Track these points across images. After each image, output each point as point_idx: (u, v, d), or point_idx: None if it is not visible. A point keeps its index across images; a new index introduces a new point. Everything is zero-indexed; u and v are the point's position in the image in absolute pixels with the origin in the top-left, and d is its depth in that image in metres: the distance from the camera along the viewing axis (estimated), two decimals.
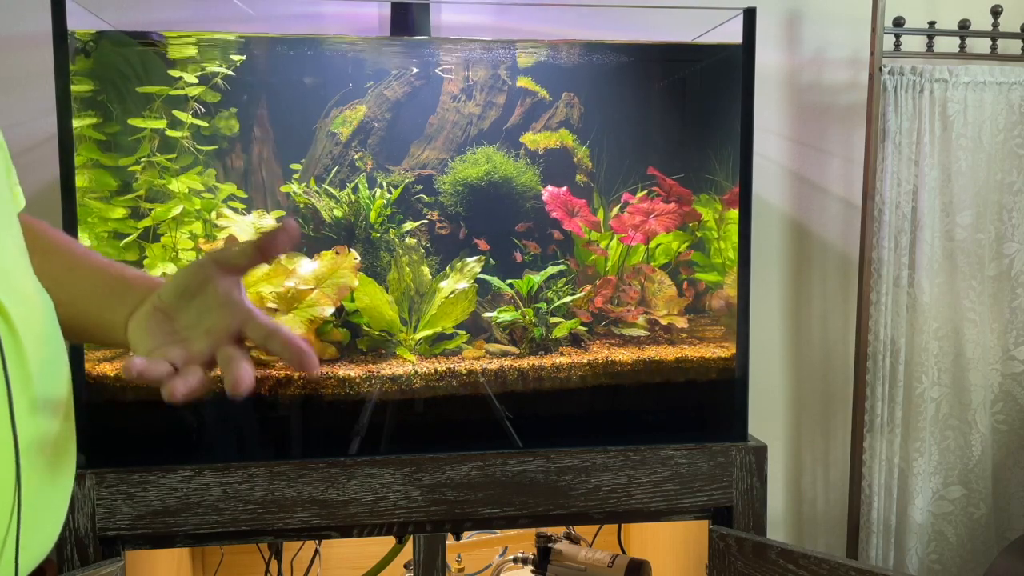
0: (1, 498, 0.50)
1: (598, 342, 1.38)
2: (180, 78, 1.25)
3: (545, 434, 1.32)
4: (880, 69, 1.59)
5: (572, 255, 1.38)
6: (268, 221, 1.29)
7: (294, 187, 1.31)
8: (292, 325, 1.24)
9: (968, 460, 1.70)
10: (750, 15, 1.29)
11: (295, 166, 1.32)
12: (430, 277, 1.34)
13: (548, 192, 1.36)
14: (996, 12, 1.63)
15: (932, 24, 1.63)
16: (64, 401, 0.59)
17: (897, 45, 1.61)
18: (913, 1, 1.70)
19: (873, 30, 1.58)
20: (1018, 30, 1.64)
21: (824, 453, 1.83)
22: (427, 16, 1.47)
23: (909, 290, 1.65)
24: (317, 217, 1.32)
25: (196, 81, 1.25)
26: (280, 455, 1.26)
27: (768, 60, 1.70)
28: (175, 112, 1.26)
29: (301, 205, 1.31)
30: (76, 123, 1.19)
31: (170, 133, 1.26)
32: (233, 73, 1.26)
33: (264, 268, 1.27)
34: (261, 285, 1.25)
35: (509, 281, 1.35)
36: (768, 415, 1.80)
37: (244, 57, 1.27)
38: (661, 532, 1.65)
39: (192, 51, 1.26)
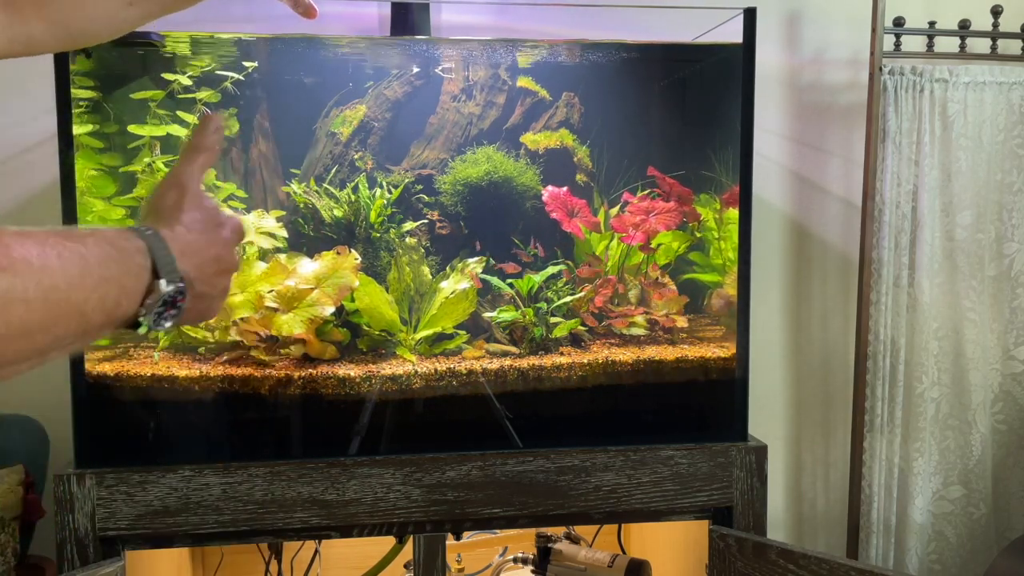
0: None
1: (598, 342, 1.38)
2: (178, 79, 1.25)
3: (545, 434, 1.32)
4: (880, 69, 1.59)
5: (574, 254, 1.38)
6: (268, 221, 1.29)
7: (294, 187, 1.31)
8: (292, 324, 1.24)
9: (968, 460, 1.70)
10: (750, 15, 1.29)
11: (295, 171, 1.32)
12: (430, 277, 1.34)
13: (548, 192, 1.36)
14: (996, 12, 1.63)
15: (932, 24, 1.63)
16: None
17: (897, 45, 1.61)
18: (913, 1, 1.70)
19: (873, 30, 1.58)
20: (1018, 30, 1.64)
21: (824, 453, 1.83)
22: (427, 16, 1.47)
23: (909, 290, 1.65)
24: (317, 217, 1.31)
25: (192, 83, 1.25)
26: (280, 455, 1.26)
27: (768, 60, 1.70)
28: (179, 113, 1.26)
29: (301, 205, 1.31)
30: (76, 125, 1.19)
31: (175, 132, 1.26)
32: (241, 77, 1.26)
33: (262, 267, 1.27)
34: (261, 284, 1.25)
35: (509, 281, 1.35)
36: (768, 415, 1.80)
37: (256, 64, 1.26)
38: (661, 532, 1.65)
39: (190, 51, 1.26)
